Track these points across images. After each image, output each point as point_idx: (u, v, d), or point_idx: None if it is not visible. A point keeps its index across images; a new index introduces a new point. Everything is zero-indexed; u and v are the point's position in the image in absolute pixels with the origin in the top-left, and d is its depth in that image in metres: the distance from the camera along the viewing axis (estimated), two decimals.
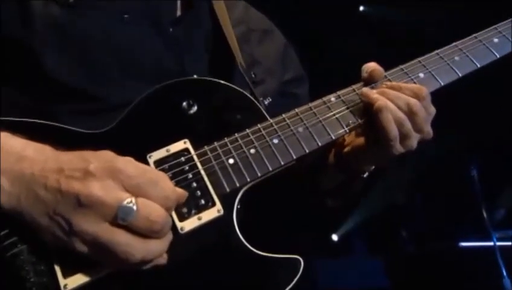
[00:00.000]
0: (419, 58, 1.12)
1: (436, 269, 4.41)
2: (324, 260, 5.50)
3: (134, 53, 1.04)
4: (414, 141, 1.01)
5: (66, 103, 0.98)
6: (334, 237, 6.30)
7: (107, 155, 0.75)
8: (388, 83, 1.04)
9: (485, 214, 3.90)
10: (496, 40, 1.16)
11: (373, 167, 1.14)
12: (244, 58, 1.22)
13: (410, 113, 0.97)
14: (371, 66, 1.06)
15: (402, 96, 0.98)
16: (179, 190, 0.81)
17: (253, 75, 1.22)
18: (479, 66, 1.12)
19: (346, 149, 1.11)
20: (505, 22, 1.20)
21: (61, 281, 0.76)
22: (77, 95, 0.98)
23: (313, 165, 1.22)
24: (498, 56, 1.15)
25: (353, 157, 1.10)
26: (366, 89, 1.02)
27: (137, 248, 0.72)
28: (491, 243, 3.85)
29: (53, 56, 0.97)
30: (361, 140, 1.07)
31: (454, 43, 1.15)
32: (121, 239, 0.71)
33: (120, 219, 0.70)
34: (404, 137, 0.98)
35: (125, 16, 1.05)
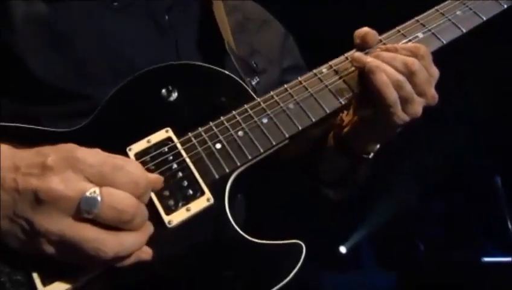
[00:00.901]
0: (417, 17, 1.03)
1: (455, 286, 4.06)
2: (332, 274, 5.19)
3: (126, 45, 0.99)
4: (418, 106, 0.91)
5: (53, 104, 0.93)
6: (343, 249, 5.95)
7: (67, 146, 0.68)
8: (383, 46, 0.96)
9: (510, 226, 3.66)
10: None
11: (377, 146, 1.04)
12: (243, 47, 1.16)
13: (409, 74, 0.88)
14: (363, 30, 0.97)
15: (398, 57, 0.89)
16: (152, 175, 0.74)
17: (254, 64, 1.16)
18: (484, 19, 1.03)
19: (346, 129, 1.03)
20: None
21: (41, 289, 0.70)
22: (65, 96, 0.93)
23: (311, 152, 1.14)
24: (505, 6, 1.05)
25: (354, 135, 1.02)
26: (357, 54, 0.94)
27: (108, 243, 0.65)
28: None
29: (37, 56, 0.93)
30: (360, 115, 0.99)
31: None
32: (89, 234, 0.64)
33: (84, 211, 0.63)
34: (405, 101, 0.89)
35: (115, 3, 1.00)
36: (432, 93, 0.92)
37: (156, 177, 0.75)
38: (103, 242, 0.65)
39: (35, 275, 0.71)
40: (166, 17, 1.06)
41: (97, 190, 0.64)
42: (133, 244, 0.68)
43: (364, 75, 0.89)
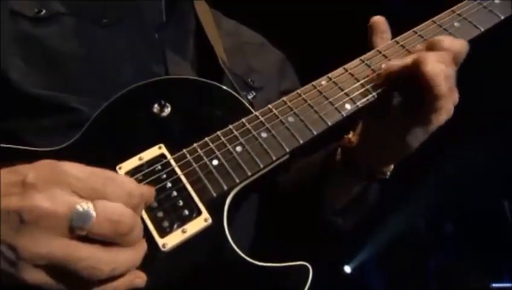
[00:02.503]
0: (452, 8, 0.99)
1: None
2: None
3: (114, 60, 0.96)
4: (452, 104, 0.86)
5: (39, 118, 0.88)
6: (347, 269, 5.74)
7: (46, 162, 0.62)
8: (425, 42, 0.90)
9: None
10: None
11: (392, 166, 0.98)
12: (239, 66, 1.14)
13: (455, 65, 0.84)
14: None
15: (444, 53, 0.84)
16: (144, 187, 0.68)
17: (250, 82, 1.13)
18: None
19: (356, 150, 0.97)
20: None
21: None
22: (51, 109, 0.88)
23: (313, 179, 1.07)
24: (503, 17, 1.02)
25: (367, 155, 0.95)
26: (387, 63, 0.88)
27: (103, 260, 0.59)
28: None
29: (19, 69, 0.88)
30: (376, 127, 0.94)
31: None
32: (83, 253, 0.58)
33: (77, 228, 0.57)
34: (450, 94, 0.83)
35: (104, 20, 0.97)
36: (457, 91, 0.87)
37: (148, 189, 0.69)
38: (98, 260, 0.58)
39: None
40: (156, 35, 1.04)
41: (89, 204, 0.58)
42: (128, 261, 0.62)
43: (412, 70, 0.83)
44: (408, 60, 0.85)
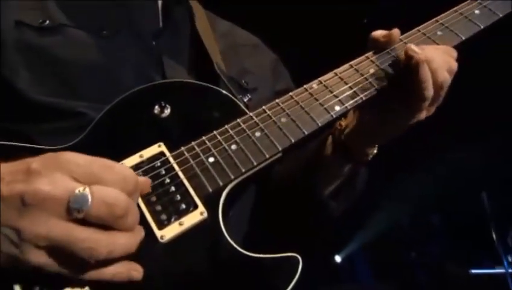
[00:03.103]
0: (436, 18, 1.08)
1: None
2: (326, 286, 5.19)
3: (115, 68, 1.00)
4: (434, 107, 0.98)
5: (44, 122, 0.92)
6: (338, 258, 5.97)
7: (49, 153, 0.67)
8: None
9: (495, 237, 3.72)
10: None
11: (375, 151, 1.08)
12: (234, 68, 1.19)
13: (450, 74, 0.94)
14: (381, 32, 1.02)
15: (438, 57, 0.94)
16: (141, 177, 0.73)
17: (244, 83, 1.18)
18: (501, 15, 1.09)
19: (345, 133, 1.06)
20: None
21: None
22: (56, 114, 0.93)
23: (308, 165, 1.14)
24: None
25: (355, 139, 1.05)
26: (412, 45, 0.94)
27: (100, 241, 0.63)
28: (503, 270, 3.65)
29: (25, 78, 0.93)
30: (363, 116, 1.02)
31: None
32: (80, 235, 0.62)
33: (74, 210, 0.61)
34: (434, 100, 0.94)
35: (104, 31, 1.02)
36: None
37: (144, 179, 0.74)
38: (96, 241, 0.62)
39: None
40: (154, 43, 1.09)
41: (86, 187, 0.62)
42: (125, 243, 0.66)
43: (409, 66, 0.92)
44: (418, 51, 0.92)
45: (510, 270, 3.69)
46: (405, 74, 0.93)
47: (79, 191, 0.62)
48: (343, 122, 1.06)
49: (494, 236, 3.75)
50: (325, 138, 1.11)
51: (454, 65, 0.97)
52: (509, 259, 3.78)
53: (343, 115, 0.95)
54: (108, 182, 0.65)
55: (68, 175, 0.64)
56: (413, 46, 0.93)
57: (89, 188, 0.63)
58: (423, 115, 0.97)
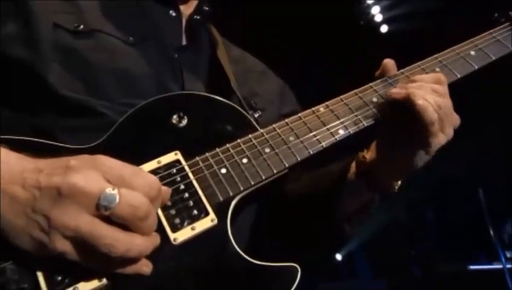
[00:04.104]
0: (436, 55, 1.17)
1: None
2: (326, 284, 5.31)
3: (138, 74, 1.07)
4: (450, 128, 1.01)
5: (66, 118, 0.98)
6: (338, 257, 6.15)
7: (85, 155, 0.74)
8: (408, 79, 1.07)
9: (492, 234, 3.79)
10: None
11: (399, 183, 1.12)
12: (245, 90, 1.27)
13: (440, 96, 0.98)
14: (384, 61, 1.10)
15: (427, 85, 1.00)
16: (164, 187, 0.80)
17: (254, 103, 1.26)
18: (494, 58, 1.18)
19: (369, 165, 1.10)
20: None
21: None
22: (81, 112, 0.99)
23: (330, 189, 1.19)
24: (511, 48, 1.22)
25: (378, 171, 1.09)
26: (394, 89, 1.02)
27: (120, 240, 0.70)
28: (501, 266, 3.71)
29: (57, 74, 0.99)
30: (385, 148, 1.07)
31: (469, 40, 1.21)
32: (104, 231, 0.69)
33: (102, 207, 0.68)
34: (442, 121, 0.97)
35: (130, 38, 1.09)
36: (456, 116, 1.02)
37: (166, 189, 0.81)
38: (116, 239, 0.69)
39: (42, 284, 0.73)
40: (176, 55, 1.16)
41: (116, 189, 0.69)
42: (141, 245, 0.73)
43: (405, 103, 0.97)
44: (406, 88, 1.00)
45: (508, 266, 3.75)
46: (397, 107, 1.00)
47: (109, 191, 0.69)
48: (367, 155, 1.11)
49: (491, 232, 3.82)
50: (348, 164, 1.15)
51: (439, 88, 1.01)
52: (508, 255, 3.86)
53: (346, 138, 1.03)
54: (135, 186, 0.72)
55: (101, 175, 0.71)
56: (393, 90, 1.02)
57: (118, 189, 0.70)
58: (440, 139, 0.99)
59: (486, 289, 3.98)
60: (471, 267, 4.28)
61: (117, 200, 0.69)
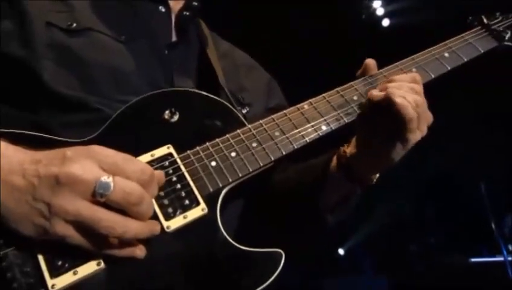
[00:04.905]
0: (412, 56, 1.24)
1: (446, 287, 4.28)
2: (329, 279, 5.38)
3: (130, 71, 1.11)
4: (425, 125, 1.07)
5: (62, 114, 1.02)
6: (341, 251, 6.26)
7: (80, 146, 0.80)
8: (386, 80, 1.13)
9: (493, 227, 3.87)
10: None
11: (377, 175, 1.18)
12: (233, 85, 1.31)
13: (418, 95, 1.04)
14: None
15: (405, 84, 1.06)
16: (156, 171, 0.86)
17: (241, 98, 1.31)
18: (465, 60, 1.26)
19: (349, 158, 1.15)
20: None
21: (49, 281, 0.77)
22: (76, 108, 1.03)
23: (314, 179, 1.24)
24: (482, 51, 1.30)
25: (358, 164, 1.14)
26: (374, 91, 1.08)
27: (118, 222, 0.76)
28: (502, 259, 3.78)
29: (51, 71, 1.03)
30: (365, 143, 1.12)
31: (443, 42, 1.28)
32: (102, 215, 0.75)
33: (98, 194, 0.74)
34: (419, 118, 1.02)
35: (122, 37, 1.13)
36: (430, 113, 1.09)
37: (159, 172, 0.87)
38: (114, 221, 0.76)
39: (44, 268, 0.78)
40: (166, 52, 1.21)
41: (110, 177, 0.75)
42: (137, 228, 0.79)
43: (385, 102, 1.03)
44: (386, 88, 1.06)
45: (509, 259, 3.82)
46: (378, 106, 1.06)
47: (104, 179, 0.75)
48: (347, 149, 1.17)
49: (493, 226, 3.89)
50: (330, 158, 1.21)
51: (417, 86, 1.08)
52: (510, 248, 3.93)
53: (328, 134, 1.10)
54: (128, 171, 0.78)
55: (97, 164, 0.76)
56: (374, 92, 1.08)
57: (112, 177, 0.75)
58: (417, 135, 1.05)
59: (488, 282, 4.05)
60: (473, 260, 4.35)
61: (111, 187, 0.75)
